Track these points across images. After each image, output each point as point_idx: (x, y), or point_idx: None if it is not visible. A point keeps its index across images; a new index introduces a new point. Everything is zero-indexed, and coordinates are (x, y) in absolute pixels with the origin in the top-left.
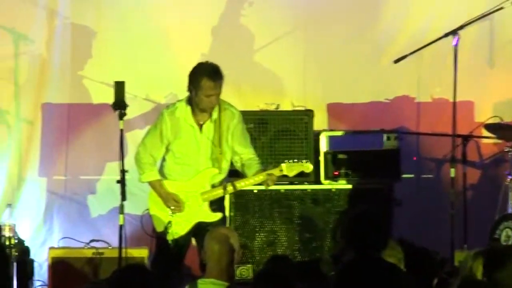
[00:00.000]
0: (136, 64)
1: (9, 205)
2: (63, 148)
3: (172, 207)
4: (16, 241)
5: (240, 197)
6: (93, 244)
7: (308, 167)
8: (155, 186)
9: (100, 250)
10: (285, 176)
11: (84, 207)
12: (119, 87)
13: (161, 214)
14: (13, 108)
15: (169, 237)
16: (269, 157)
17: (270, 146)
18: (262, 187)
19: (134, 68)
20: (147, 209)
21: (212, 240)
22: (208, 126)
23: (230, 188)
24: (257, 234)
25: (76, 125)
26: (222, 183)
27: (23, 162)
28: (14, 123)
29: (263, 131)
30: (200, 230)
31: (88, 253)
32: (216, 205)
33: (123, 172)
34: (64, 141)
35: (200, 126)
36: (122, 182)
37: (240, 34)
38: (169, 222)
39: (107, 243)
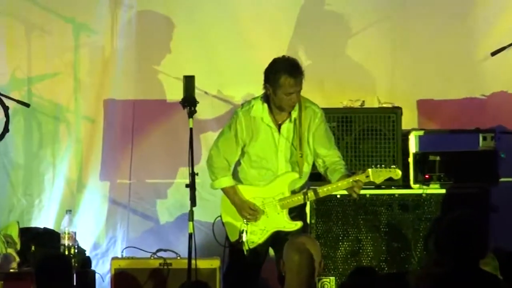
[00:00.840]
0: (208, 58)
1: (69, 211)
2: (128, 148)
3: (248, 216)
4: (76, 250)
5: (322, 203)
6: (160, 254)
7: (397, 173)
8: (229, 193)
9: (168, 261)
10: (371, 182)
11: (150, 213)
12: (189, 82)
13: (235, 221)
14: (72, 105)
15: (244, 247)
16: (353, 158)
17: (354, 147)
18: (346, 192)
19: (206, 62)
20: (219, 216)
21: (292, 250)
22: (287, 127)
23: (311, 195)
24: (341, 243)
25: (142, 123)
26: (303, 189)
27: (83, 164)
28: (74, 121)
29: (347, 130)
30: (278, 239)
31: (155, 263)
32: (296, 212)
33: (193, 175)
34: (129, 141)
35: (279, 126)
36: (191, 186)
37: (322, 25)
38: (244, 231)
39: (176, 252)
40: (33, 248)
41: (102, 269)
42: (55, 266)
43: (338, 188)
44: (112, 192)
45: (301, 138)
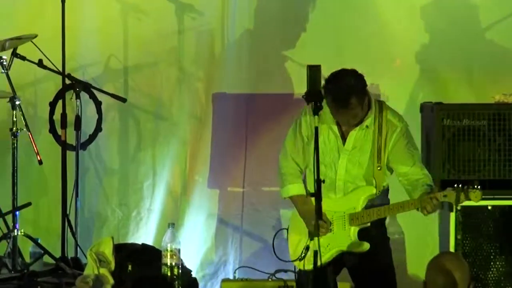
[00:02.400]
0: (337, 50)
1: (172, 224)
2: (241, 151)
3: (323, 233)
4: (181, 271)
5: (469, 215)
6: (280, 275)
7: (477, 195)
8: (297, 203)
9: (289, 283)
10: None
11: (268, 227)
12: (314, 72)
13: (300, 237)
14: (176, 99)
15: (304, 266)
16: (506, 163)
17: (509, 149)
18: (498, 202)
19: (335, 53)
20: (284, 229)
21: (436, 270)
22: (356, 134)
23: (382, 212)
24: (492, 263)
25: (259, 121)
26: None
27: (189, 169)
28: (178, 118)
29: (499, 129)
30: (339, 261)
31: (273, 287)
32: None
33: (318, 182)
34: (242, 142)
35: (343, 134)
36: (317, 195)
37: (468, 4)
38: (307, 248)
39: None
40: (129, 267)
41: None
42: None
43: (410, 206)
44: (222, 202)
45: (380, 149)
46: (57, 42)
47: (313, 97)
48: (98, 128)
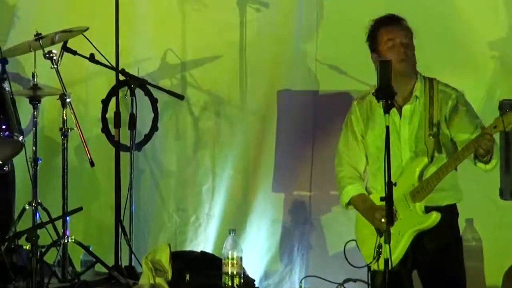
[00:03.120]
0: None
1: (233, 231)
2: (308, 152)
3: (383, 219)
4: (243, 280)
5: None
6: (349, 285)
7: None
8: (357, 203)
9: None
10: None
11: (336, 233)
12: (385, 68)
13: (371, 238)
14: (237, 96)
15: (374, 266)
16: None
17: None
18: None
19: None
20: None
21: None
22: (410, 108)
23: (441, 173)
24: None
25: (327, 119)
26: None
27: (251, 171)
28: (240, 117)
29: None
30: (421, 250)
31: None
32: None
33: (389, 185)
34: (309, 143)
35: (400, 108)
36: (388, 199)
37: None
38: (379, 246)
39: (368, 283)
40: (187, 277)
41: None
42: None
43: (465, 152)
44: (287, 206)
45: (432, 117)
46: (110, 35)
47: (384, 93)
48: (154, 128)
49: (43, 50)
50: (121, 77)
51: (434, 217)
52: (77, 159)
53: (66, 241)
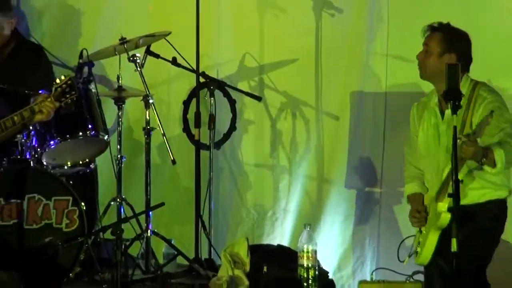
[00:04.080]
0: (478, 43)
1: (308, 225)
2: (378, 150)
3: (415, 220)
4: (317, 272)
5: None
6: (418, 277)
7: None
8: (410, 201)
9: None
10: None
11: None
12: (453, 71)
13: (417, 235)
14: (312, 98)
15: (416, 261)
16: None
17: None
18: None
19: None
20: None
21: None
22: (450, 112)
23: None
24: None
25: (397, 119)
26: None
27: (325, 169)
28: (315, 118)
29: None
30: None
31: None
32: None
33: (457, 183)
34: (380, 142)
35: (443, 112)
36: (455, 195)
37: None
38: (418, 243)
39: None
40: (265, 269)
41: None
42: None
43: (460, 161)
44: (359, 202)
45: (465, 121)
46: (191, 40)
47: (452, 95)
48: (233, 127)
49: (128, 54)
50: (202, 79)
51: (442, 217)
52: (159, 157)
53: (149, 234)
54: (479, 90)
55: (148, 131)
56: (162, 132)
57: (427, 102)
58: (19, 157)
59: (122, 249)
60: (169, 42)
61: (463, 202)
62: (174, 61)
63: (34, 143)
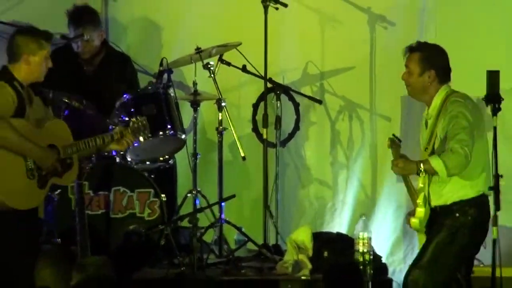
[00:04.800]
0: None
1: (363, 215)
2: None
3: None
4: (372, 257)
5: None
6: None
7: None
8: None
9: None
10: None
11: None
12: (493, 77)
13: None
14: (367, 101)
15: None
16: None
17: None
18: None
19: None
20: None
21: None
22: (430, 123)
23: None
24: None
25: None
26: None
27: (379, 165)
28: (369, 119)
29: None
30: None
31: None
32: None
33: (496, 177)
34: None
35: (426, 122)
36: (495, 188)
37: None
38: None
39: (479, 260)
40: (325, 254)
41: (400, 277)
42: (345, 274)
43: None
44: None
45: (432, 133)
46: (260, 49)
47: (493, 99)
48: (296, 127)
49: (202, 62)
50: (269, 85)
51: (420, 217)
52: (231, 154)
53: (221, 223)
54: (447, 102)
55: (220, 131)
56: (233, 131)
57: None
58: (106, 154)
59: (198, 236)
60: (239, 52)
61: (436, 203)
62: (244, 69)
63: None
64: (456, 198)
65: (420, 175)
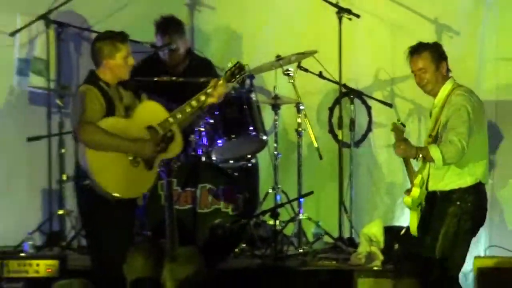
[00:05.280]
0: None
1: None
2: (491, 147)
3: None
4: None
5: None
6: None
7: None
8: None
9: None
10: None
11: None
12: None
13: None
14: None
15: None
16: None
17: None
18: None
19: None
20: None
21: None
22: (434, 111)
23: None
24: None
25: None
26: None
27: None
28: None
29: None
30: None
31: None
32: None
33: None
34: (491, 138)
35: (431, 113)
36: None
37: None
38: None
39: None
40: (396, 246)
41: (465, 268)
42: (411, 264)
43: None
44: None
45: (437, 120)
46: (335, 57)
47: None
48: (369, 129)
49: (282, 69)
50: (343, 90)
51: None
52: (309, 154)
53: (300, 218)
54: (452, 94)
55: (299, 132)
56: (311, 132)
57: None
58: (192, 153)
59: (278, 229)
60: (316, 59)
61: (435, 188)
62: (320, 75)
63: (205, 142)
64: (455, 185)
65: (418, 160)
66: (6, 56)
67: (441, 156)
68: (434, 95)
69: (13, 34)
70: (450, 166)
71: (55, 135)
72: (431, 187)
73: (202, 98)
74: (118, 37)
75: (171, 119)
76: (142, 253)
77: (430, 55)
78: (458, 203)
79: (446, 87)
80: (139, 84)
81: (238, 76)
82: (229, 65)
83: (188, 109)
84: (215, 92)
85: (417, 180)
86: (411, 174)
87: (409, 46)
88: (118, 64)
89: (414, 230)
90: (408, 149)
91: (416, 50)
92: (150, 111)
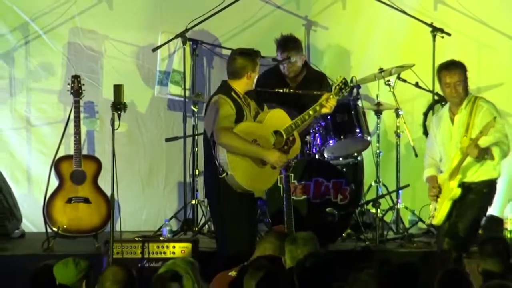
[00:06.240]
0: None
1: (511, 200)
2: None
3: (432, 194)
4: None
5: None
6: None
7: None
8: (428, 182)
9: None
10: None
11: None
12: None
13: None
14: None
15: (433, 222)
16: None
17: None
18: None
19: None
20: None
21: None
22: (460, 117)
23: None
24: None
25: None
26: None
27: None
28: None
29: None
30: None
31: None
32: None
33: None
34: None
35: (452, 119)
36: None
37: None
38: (435, 209)
39: None
40: (479, 231)
41: None
42: (496, 247)
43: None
44: None
45: (469, 124)
46: (428, 69)
47: None
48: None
49: (384, 79)
50: (436, 98)
51: (455, 191)
52: (406, 152)
53: (398, 207)
54: (478, 101)
55: (398, 134)
56: (408, 134)
57: (442, 114)
58: (308, 151)
59: (380, 217)
60: (413, 71)
61: (469, 179)
62: (416, 85)
63: (318, 142)
64: (486, 177)
65: (479, 158)
66: (151, 69)
67: (500, 156)
68: (456, 103)
69: (155, 49)
70: (486, 161)
71: (190, 136)
72: (467, 179)
73: (318, 108)
74: (258, 55)
75: (293, 125)
76: (270, 236)
77: (461, 70)
78: (484, 191)
79: (469, 97)
80: (260, 93)
81: (344, 90)
82: (336, 81)
83: (307, 117)
84: (328, 104)
85: (458, 176)
86: (458, 167)
87: (442, 62)
88: (255, 76)
89: (440, 220)
90: (480, 151)
91: (453, 64)
92: (278, 118)
